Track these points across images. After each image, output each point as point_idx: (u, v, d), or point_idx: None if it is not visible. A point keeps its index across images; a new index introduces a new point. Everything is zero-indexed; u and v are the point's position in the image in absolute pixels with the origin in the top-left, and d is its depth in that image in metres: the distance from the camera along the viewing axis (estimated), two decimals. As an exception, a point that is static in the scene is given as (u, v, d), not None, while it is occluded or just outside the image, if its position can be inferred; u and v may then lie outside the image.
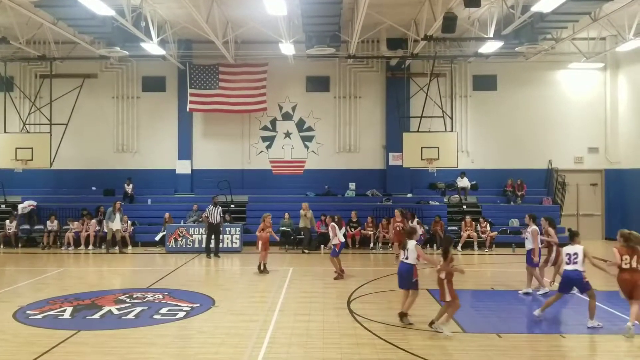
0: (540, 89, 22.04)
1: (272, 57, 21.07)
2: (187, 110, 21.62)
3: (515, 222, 20.24)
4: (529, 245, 11.94)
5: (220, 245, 17.96)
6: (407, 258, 9.40)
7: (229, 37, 18.94)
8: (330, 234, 13.81)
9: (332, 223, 13.80)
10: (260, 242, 14.52)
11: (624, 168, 21.37)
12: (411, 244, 9.42)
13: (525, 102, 22.01)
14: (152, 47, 17.54)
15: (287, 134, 22.47)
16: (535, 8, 13.77)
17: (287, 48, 18.35)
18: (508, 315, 10.35)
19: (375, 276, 14.01)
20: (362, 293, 11.88)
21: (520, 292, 12.05)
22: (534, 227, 11.96)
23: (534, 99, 22.00)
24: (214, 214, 17.47)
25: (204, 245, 18.41)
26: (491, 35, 16.73)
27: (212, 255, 17.38)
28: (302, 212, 19.07)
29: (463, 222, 19.42)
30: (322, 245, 18.92)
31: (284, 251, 18.88)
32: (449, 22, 14.87)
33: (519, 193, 21.13)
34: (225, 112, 21.66)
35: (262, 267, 14.38)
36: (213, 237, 17.52)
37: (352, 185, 22.00)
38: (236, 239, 18.66)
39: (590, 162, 22.04)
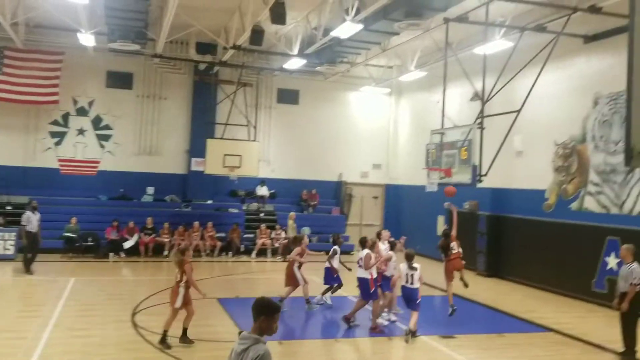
0: (336, 108, 23.83)
1: (69, 47, 19.23)
2: (-41, 94, 18.62)
3: (307, 230, 21.26)
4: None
5: None
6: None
7: (19, 18, 16.83)
8: (374, 261, 10.08)
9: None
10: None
11: (401, 184, 24.15)
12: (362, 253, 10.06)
13: (322, 118, 23.57)
14: None
15: (81, 131, 20.69)
16: (334, 33, 14.86)
17: (87, 39, 16.92)
18: (295, 323, 10.96)
19: (167, 285, 13.43)
20: (150, 304, 11.51)
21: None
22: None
23: (330, 116, 23.67)
24: (33, 221, 14.53)
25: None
26: (295, 52, 17.66)
27: (31, 269, 14.45)
28: (290, 222, 19.76)
29: (259, 230, 20.00)
30: (112, 253, 17.86)
31: (67, 259, 17.22)
32: (257, 35, 15.38)
33: (312, 203, 22.46)
34: (9, 101, 19.07)
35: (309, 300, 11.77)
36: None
37: (151, 190, 21.05)
38: (10, 245, 16.50)
39: (374, 177, 24.41)
